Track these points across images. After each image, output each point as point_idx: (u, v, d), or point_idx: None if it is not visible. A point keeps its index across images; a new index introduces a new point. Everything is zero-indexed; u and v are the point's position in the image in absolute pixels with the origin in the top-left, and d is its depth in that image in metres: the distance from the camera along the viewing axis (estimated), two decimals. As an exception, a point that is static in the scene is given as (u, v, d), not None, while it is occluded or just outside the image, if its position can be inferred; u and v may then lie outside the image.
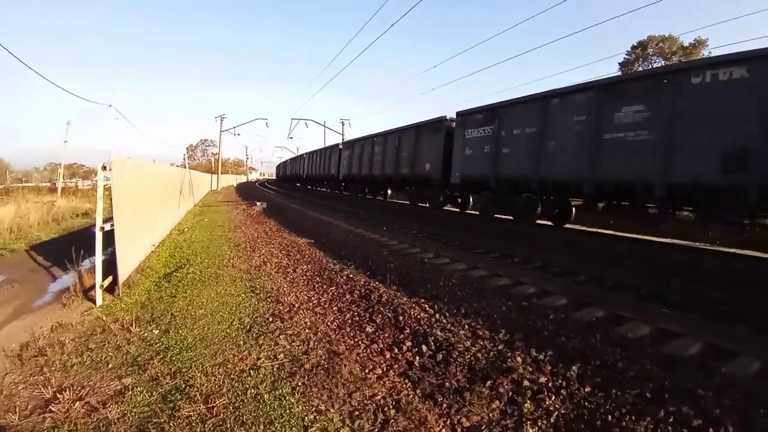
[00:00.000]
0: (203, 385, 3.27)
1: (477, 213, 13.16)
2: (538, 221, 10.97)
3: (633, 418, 2.71)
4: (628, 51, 37.10)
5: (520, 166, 10.42)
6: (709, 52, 31.49)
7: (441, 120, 14.17)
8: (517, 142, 10.62)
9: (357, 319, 4.82)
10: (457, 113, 13.10)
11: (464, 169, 12.56)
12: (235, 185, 62.55)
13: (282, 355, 3.85)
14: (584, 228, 11.51)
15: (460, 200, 14.58)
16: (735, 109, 6.50)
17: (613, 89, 8.43)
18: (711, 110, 6.77)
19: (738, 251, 8.23)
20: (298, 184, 42.80)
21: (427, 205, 15.77)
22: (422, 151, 15.18)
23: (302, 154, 42.59)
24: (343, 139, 38.70)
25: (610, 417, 2.75)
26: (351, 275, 6.54)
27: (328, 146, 29.45)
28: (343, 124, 46.86)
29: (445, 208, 15.24)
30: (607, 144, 8.34)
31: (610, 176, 8.34)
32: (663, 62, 33.56)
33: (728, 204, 6.88)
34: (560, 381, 3.20)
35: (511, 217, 11.46)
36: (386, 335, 4.33)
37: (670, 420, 2.66)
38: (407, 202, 17.48)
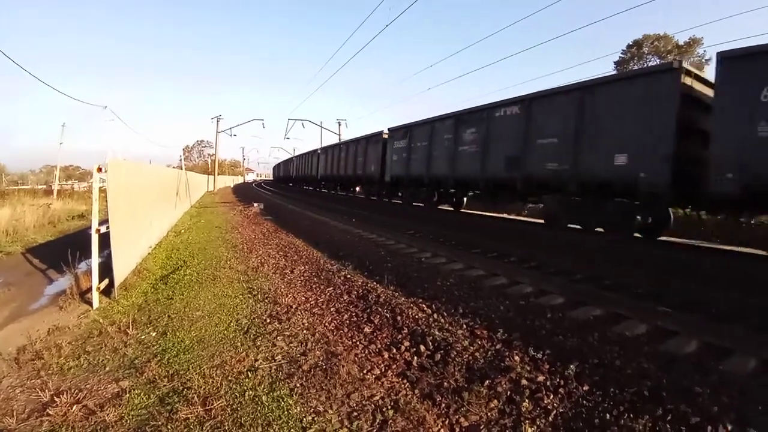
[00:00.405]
0: (201, 387, 3.26)
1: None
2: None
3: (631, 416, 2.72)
4: (623, 50, 37.23)
5: (420, 167, 14.83)
6: (704, 51, 31.69)
7: (379, 133, 18.81)
8: (418, 152, 15.02)
9: (355, 319, 4.82)
10: (389, 129, 17.79)
11: (392, 171, 17.09)
12: (231, 186, 62.54)
13: (280, 357, 3.85)
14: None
15: (400, 194, 18.08)
16: (512, 132, 10.56)
17: (463, 118, 12.66)
18: (502, 132, 10.96)
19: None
20: (290, 184, 46.36)
21: (375, 197, 20.81)
22: (369, 156, 19.95)
23: (292, 157, 48.34)
24: (339, 139, 38.87)
25: (608, 415, 2.76)
26: (348, 275, 6.54)
27: (310, 151, 34.81)
28: (339, 125, 46.92)
29: (393, 200, 19.36)
30: (459, 154, 12.69)
31: (461, 175, 12.71)
32: (658, 61, 33.66)
33: (510, 190, 11.04)
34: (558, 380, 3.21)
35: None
36: (384, 335, 4.32)
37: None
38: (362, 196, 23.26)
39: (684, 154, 7.21)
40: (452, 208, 15.80)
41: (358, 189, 24.55)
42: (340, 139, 39.51)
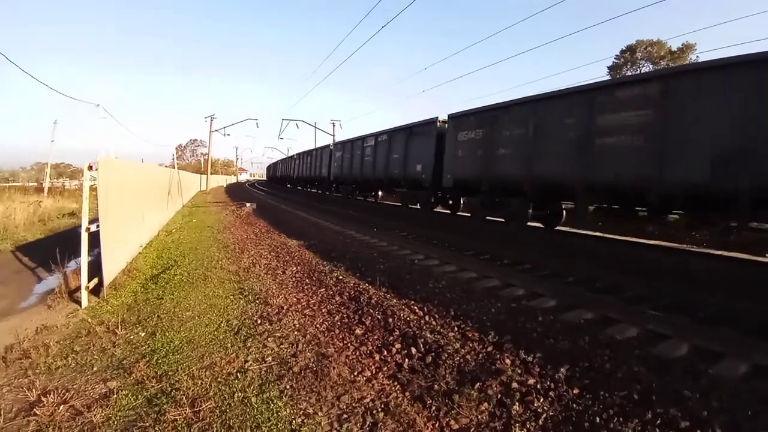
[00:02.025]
0: (189, 388, 3.24)
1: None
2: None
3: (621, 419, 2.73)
4: (617, 55, 37.40)
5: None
6: (697, 57, 31.94)
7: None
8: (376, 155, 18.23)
9: (346, 321, 4.80)
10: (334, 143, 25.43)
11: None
12: (224, 186, 62.25)
13: (270, 358, 3.82)
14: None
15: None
16: (384, 150, 15.93)
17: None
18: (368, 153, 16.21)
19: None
20: (279, 185, 48.57)
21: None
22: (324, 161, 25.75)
23: (277, 161, 53.97)
24: (333, 140, 38.93)
25: (598, 419, 2.77)
26: (341, 277, 6.53)
27: (292, 155, 40.19)
28: (333, 125, 46.83)
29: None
30: (363, 162, 18.96)
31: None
32: (651, 66, 33.93)
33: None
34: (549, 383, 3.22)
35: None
36: (376, 337, 4.31)
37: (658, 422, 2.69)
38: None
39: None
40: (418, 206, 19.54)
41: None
42: (333, 140, 39.63)
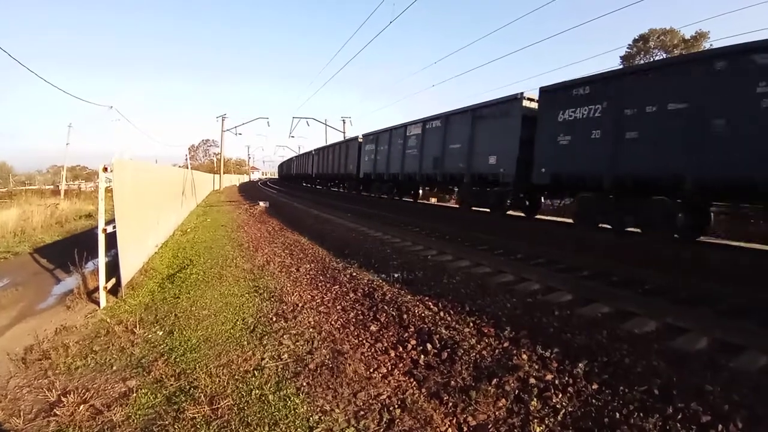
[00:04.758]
0: (208, 386, 3.26)
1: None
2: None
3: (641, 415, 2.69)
4: (629, 44, 36.81)
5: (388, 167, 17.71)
6: (711, 44, 31.30)
7: (355, 137, 22.82)
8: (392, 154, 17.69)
9: (361, 317, 4.80)
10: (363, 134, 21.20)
11: (367, 167, 20.38)
12: (237, 185, 62.69)
13: (286, 355, 3.84)
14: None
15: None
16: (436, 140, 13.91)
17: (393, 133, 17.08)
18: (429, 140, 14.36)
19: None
20: (294, 183, 48.50)
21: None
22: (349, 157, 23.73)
23: (291, 158, 53.33)
24: (344, 137, 39.04)
25: (618, 414, 2.73)
26: (354, 273, 6.53)
27: (309, 151, 38.34)
28: (344, 122, 46.84)
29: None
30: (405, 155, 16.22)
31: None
32: (664, 55, 33.35)
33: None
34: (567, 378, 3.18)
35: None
36: (391, 334, 4.30)
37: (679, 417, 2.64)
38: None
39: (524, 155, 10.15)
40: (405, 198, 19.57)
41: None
42: (344, 137, 39.76)
